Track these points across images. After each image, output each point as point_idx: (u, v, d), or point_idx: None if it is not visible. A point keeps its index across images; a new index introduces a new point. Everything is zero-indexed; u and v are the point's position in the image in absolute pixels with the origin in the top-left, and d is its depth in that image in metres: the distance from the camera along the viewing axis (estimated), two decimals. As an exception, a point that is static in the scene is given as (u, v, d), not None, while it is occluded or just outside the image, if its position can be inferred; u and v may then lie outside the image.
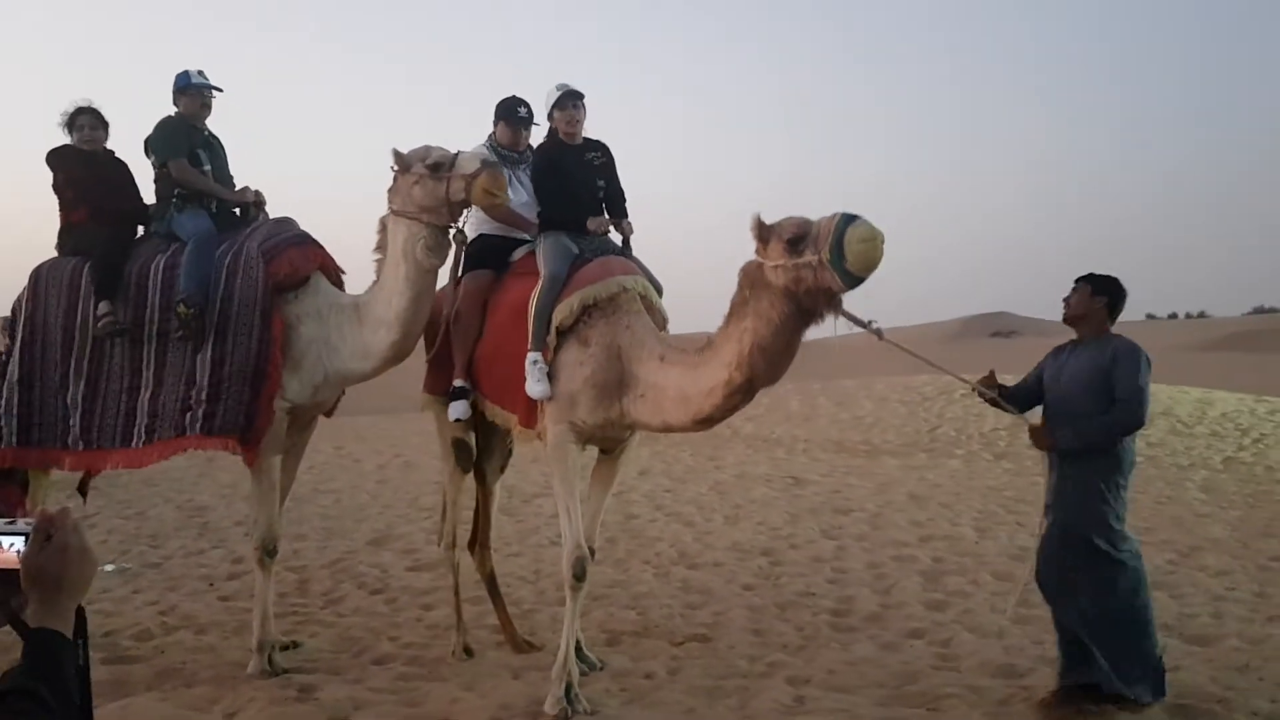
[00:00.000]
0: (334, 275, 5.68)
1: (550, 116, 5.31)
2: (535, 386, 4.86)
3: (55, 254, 5.71)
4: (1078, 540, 4.74)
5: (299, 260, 5.39)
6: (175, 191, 5.54)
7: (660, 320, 5.02)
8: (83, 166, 5.63)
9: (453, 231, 5.18)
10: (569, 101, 5.24)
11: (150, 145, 5.62)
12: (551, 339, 4.86)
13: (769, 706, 4.72)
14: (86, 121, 5.69)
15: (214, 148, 5.75)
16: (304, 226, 5.64)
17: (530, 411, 4.96)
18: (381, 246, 5.32)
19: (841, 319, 4.18)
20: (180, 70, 5.70)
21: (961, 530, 9.06)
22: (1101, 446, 4.72)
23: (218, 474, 12.21)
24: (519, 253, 5.43)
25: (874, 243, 3.90)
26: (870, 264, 3.93)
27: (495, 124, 5.64)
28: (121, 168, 5.78)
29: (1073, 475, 4.77)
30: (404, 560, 8.13)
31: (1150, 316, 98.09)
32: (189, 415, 5.18)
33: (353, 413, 24.33)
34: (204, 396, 5.15)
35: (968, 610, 6.50)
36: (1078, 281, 4.93)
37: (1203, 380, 24.69)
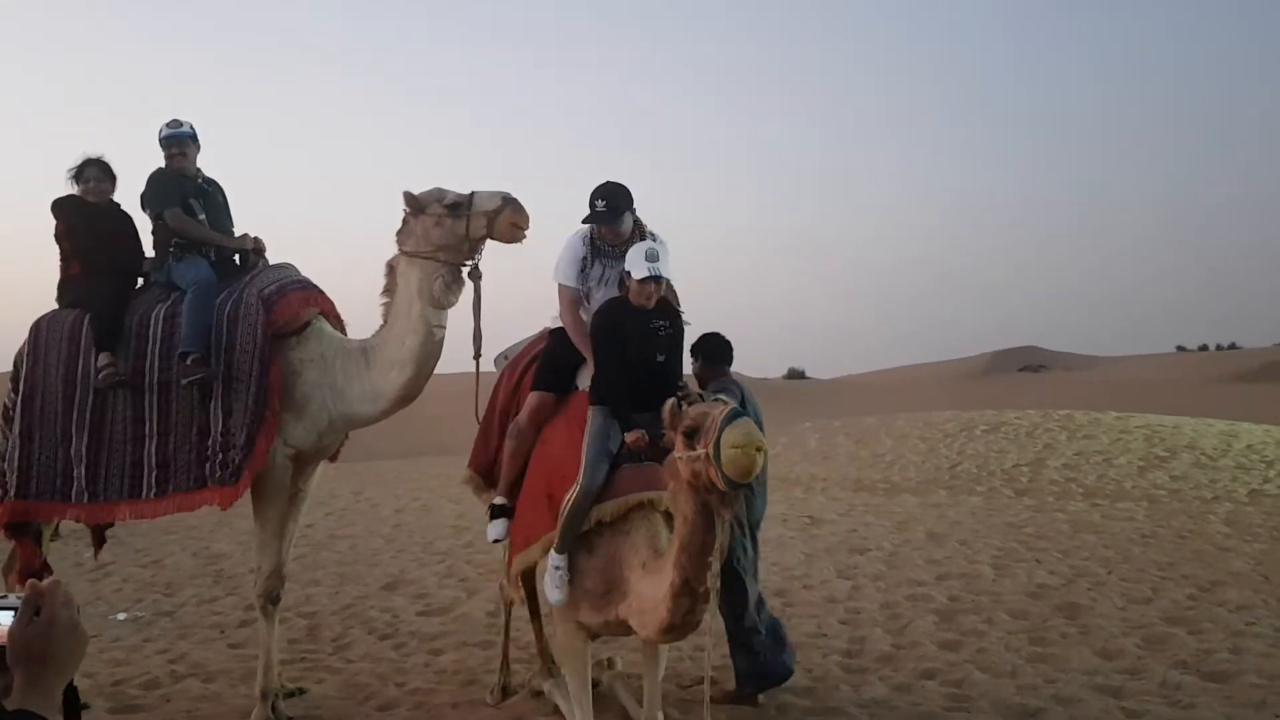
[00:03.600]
0: (335, 320, 5.72)
1: (625, 276, 4.82)
2: (554, 592, 4.66)
3: (55, 305, 5.78)
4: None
5: (298, 306, 5.42)
6: (173, 241, 5.61)
7: None
8: (82, 219, 5.70)
9: (467, 269, 5.24)
10: (650, 282, 4.72)
11: (144, 200, 5.70)
12: None
13: (773, 750, 4.65)
14: (93, 174, 5.77)
15: (209, 194, 5.81)
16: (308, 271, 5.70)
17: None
18: (390, 289, 5.36)
19: None
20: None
21: (979, 568, 8.95)
22: None
23: (236, 521, 12.21)
24: (583, 377, 5.10)
25: (744, 450, 3.66)
26: (741, 471, 3.71)
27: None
28: (125, 220, 5.83)
29: None
30: (415, 605, 8.11)
31: (1180, 349, 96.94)
32: (208, 465, 5.20)
33: (373, 458, 24.58)
34: (219, 447, 5.19)
35: (981, 649, 6.41)
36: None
37: (1233, 412, 24.44)
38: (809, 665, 6.19)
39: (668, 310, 4.93)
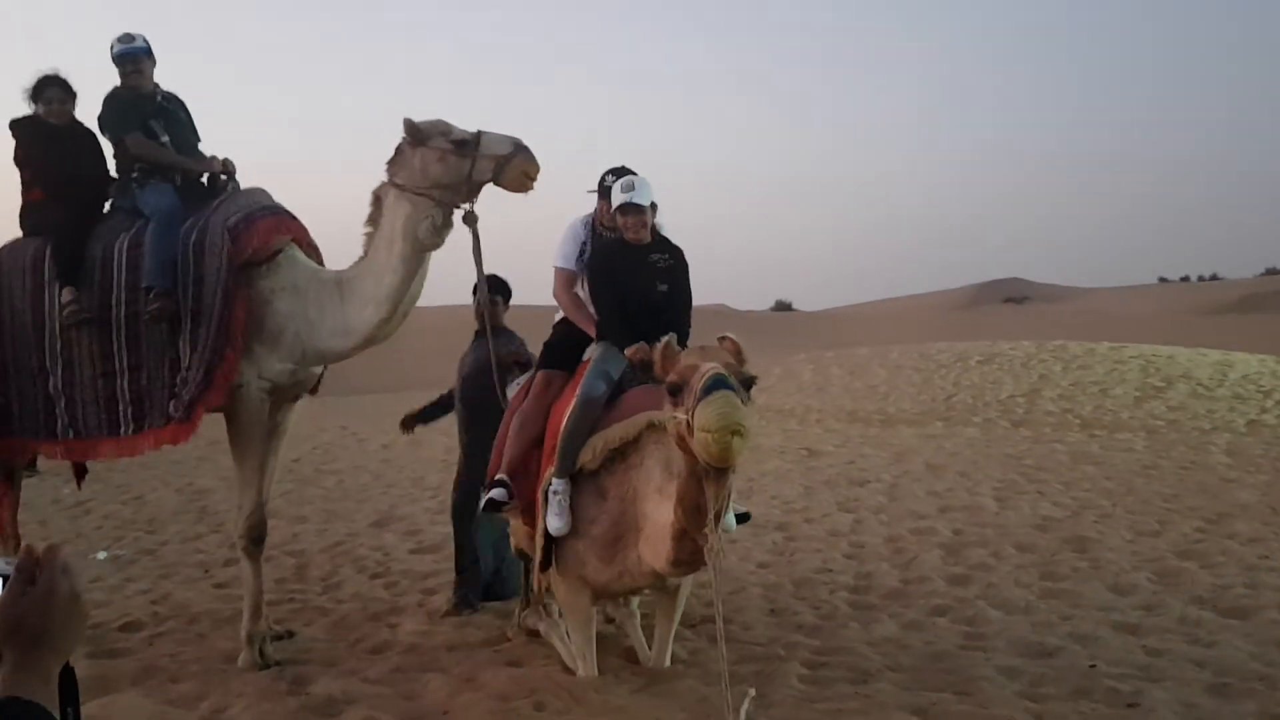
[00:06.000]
0: (309, 248, 5.37)
1: (611, 212, 4.85)
2: (555, 520, 4.47)
3: (19, 231, 5.43)
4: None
5: (267, 234, 5.06)
6: (135, 166, 5.25)
7: None
8: (44, 142, 5.34)
9: (462, 213, 4.90)
10: (630, 210, 4.71)
11: (102, 123, 5.32)
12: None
13: (787, 694, 4.44)
14: (55, 95, 5.41)
15: (170, 113, 5.40)
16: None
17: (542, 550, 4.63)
18: (374, 220, 5.02)
19: None
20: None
21: (981, 500, 8.78)
22: None
23: (219, 457, 11.86)
24: (590, 350, 4.97)
25: (716, 435, 3.34)
26: (712, 458, 3.40)
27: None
28: (88, 140, 5.44)
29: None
30: (406, 542, 7.89)
31: (1162, 280, 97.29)
32: (174, 403, 4.93)
33: (358, 392, 24.29)
34: (183, 382, 4.91)
35: (991, 585, 6.23)
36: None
37: (1218, 343, 24.34)
38: (816, 602, 6.00)
39: (666, 244, 4.88)
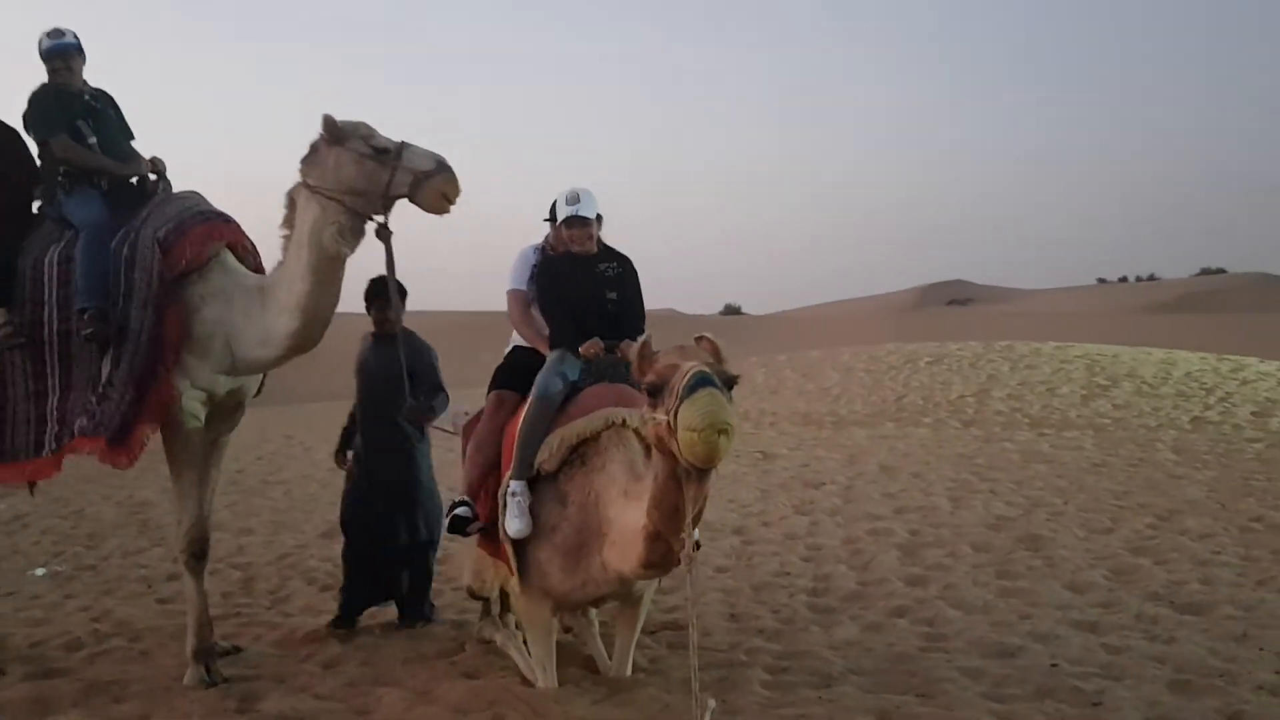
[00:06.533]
0: (246, 252, 5.14)
1: (559, 230, 4.91)
2: (515, 522, 4.35)
3: None
4: None
5: (200, 243, 4.83)
6: (62, 170, 5.03)
7: None
8: None
9: (374, 225, 4.67)
10: (575, 224, 4.76)
11: (26, 123, 5.11)
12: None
13: (750, 701, 4.37)
14: None
15: (98, 112, 5.16)
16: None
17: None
18: (289, 222, 4.80)
19: None
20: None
21: (935, 500, 8.80)
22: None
23: (160, 467, 11.49)
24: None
25: (702, 435, 3.24)
26: (700, 458, 3.31)
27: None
28: (11, 143, 5.19)
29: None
30: (357, 553, 7.71)
31: (1102, 280, 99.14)
32: (85, 419, 4.73)
33: (305, 400, 23.91)
34: (102, 397, 4.71)
35: (949, 585, 6.21)
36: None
37: (1157, 343, 24.75)
38: (775, 606, 5.95)
39: (613, 253, 4.90)
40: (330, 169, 4.62)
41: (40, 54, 5.10)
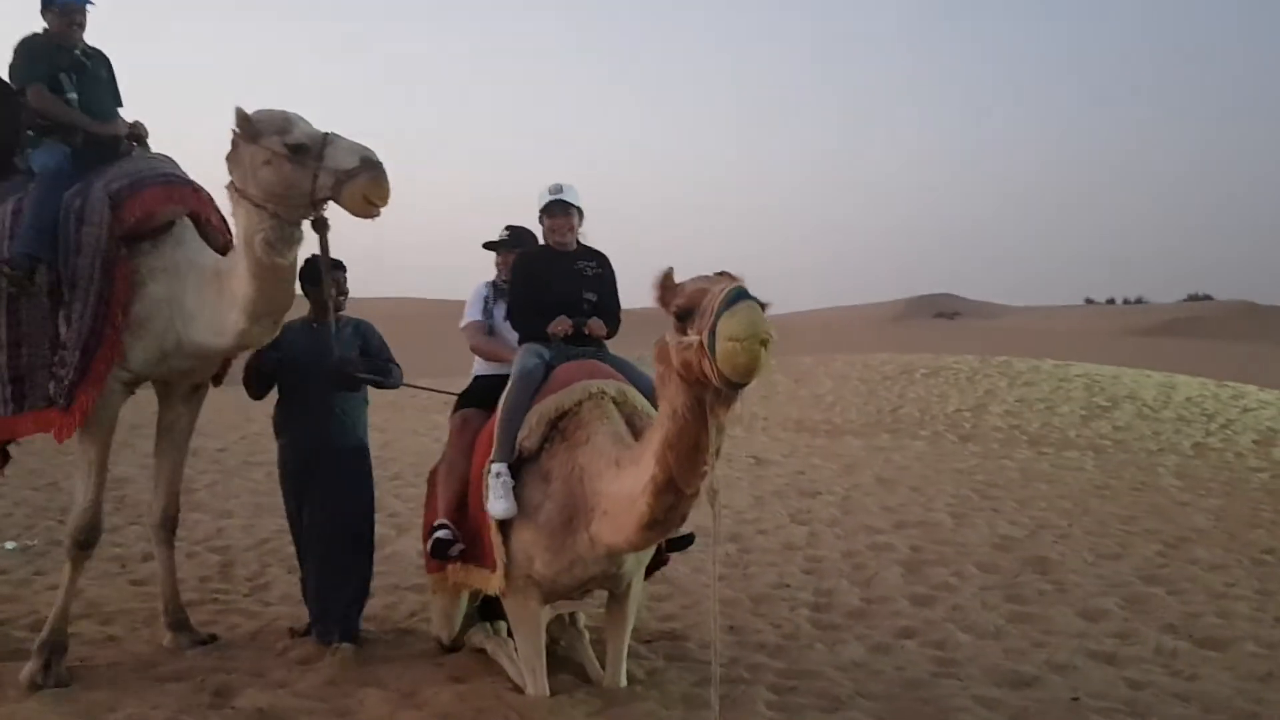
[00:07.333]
0: (210, 225, 4.79)
1: (540, 221, 4.78)
2: (497, 504, 4.15)
3: None
4: None
5: (154, 203, 4.53)
6: (36, 122, 4.74)
7: (648, 421, 4.19)
8: None
9: (309, 221, 4.29)
10: (557, 209, 4.69)
11: (10, 71, 4.82)
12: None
13: (755, 721, 4.13)
14: None
15: (87, 69, 4.86)
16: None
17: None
18: (235, 216, 4.42)
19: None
20: None
21: (936, 516, 8.56)
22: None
23: (139, 443, 11.32)
24: None
25: (744, 345, 3.11)
26: (739, 370, 3.15)
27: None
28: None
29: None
30: (340, 541, 7.43)
31: (1089, 301, 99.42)
32: (54, 385, 4.45)
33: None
34: (59, 363, 4.43)
35: (957, 606, 5.98)
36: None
37: (1148, 366, 24.60)
38: (776, 620, 5.71)
39: (592, 252, 4.82)
40: (248, 170, 4.19)
41: (57, 4, 4.81)
